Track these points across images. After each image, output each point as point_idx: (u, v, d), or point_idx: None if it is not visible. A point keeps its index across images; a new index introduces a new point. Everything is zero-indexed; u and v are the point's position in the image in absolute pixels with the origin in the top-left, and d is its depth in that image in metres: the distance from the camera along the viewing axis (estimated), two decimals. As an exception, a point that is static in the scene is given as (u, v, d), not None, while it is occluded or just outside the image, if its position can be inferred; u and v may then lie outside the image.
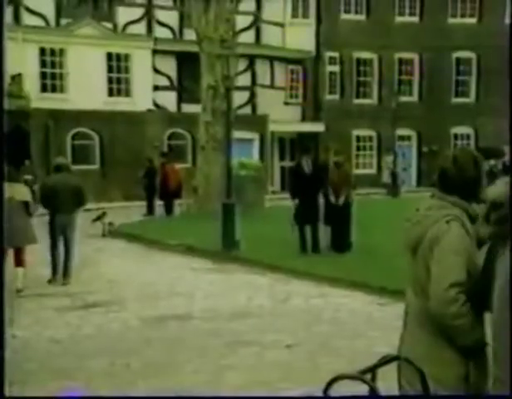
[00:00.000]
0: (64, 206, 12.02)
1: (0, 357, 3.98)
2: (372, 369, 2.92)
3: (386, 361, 2.99)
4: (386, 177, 31.35)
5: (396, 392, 3.61)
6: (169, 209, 23.30)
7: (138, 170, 24.84)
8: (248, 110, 34.35)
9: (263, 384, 6.81)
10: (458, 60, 39.54)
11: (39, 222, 12.91)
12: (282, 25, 36.00)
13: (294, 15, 36.40)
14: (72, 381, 6.97)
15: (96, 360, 7.76)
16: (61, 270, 12.17)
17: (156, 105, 32.68)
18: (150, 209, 23.65)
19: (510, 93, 5.81)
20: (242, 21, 30.58)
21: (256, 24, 35.04)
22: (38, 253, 12.49)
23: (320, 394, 2.77)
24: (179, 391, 6.68)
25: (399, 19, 38.26)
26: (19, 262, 11.27)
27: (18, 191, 11.25)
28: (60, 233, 12.17)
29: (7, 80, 27.69)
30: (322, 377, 2.98)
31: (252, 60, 34.36)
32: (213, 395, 6.00)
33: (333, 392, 2.75)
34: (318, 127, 36.71)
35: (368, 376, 2.89)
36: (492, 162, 25.27)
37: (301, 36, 35.66)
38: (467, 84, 39.84)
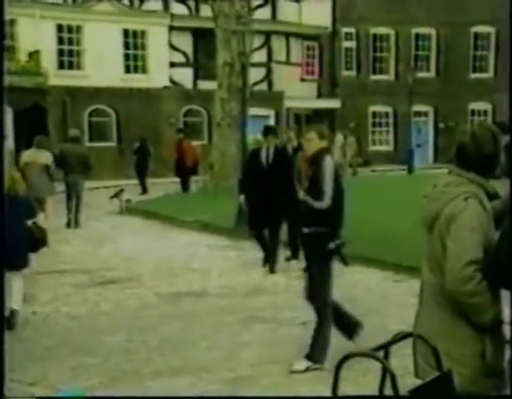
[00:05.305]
0: (74, 168, 15.42)
1: (0, 354, 3.98)
2: (386, 346, 2.91)
3: (399, 338, 2.99)
4: (337, 155, 30.70)
5: (411, 370, 3.62)
6: (185, 186, 23.35)
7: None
8: (263, 86, 34.25)
9: (277, 361, 6.85)
10: (476, 35, 39.17)
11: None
12: (298, 1, 35.77)
13: (310, -10, 36.17)
14: (90, 358, 7.06)
15: (114, 336, 7.83)
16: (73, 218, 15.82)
17: (172, 81, 32.66)
18: (144, 189, 23.71)
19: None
20: (258, -3, 30.43)
21: (272, 0, 34.82)
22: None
23: (332, 372, 2.79)
24: (193, 367, 6.76)
25: (416, -6, 37.90)
26: (42, 209, 14.40)
27: (42, 156, 14.33)
28: (72, 189, 15.66)
29: (23, 57, 27.76)
30: (335, 355, 3.01)
31: (268, 36, 34.19)
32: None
33: (346, 369, 2.78)
34: (334, 103, 36.58)
35: (381, 354, 2.90)
36: (508, 137, 25.03)
37: (317, 12, 35.43)
38: (485, 59, 39.49)
